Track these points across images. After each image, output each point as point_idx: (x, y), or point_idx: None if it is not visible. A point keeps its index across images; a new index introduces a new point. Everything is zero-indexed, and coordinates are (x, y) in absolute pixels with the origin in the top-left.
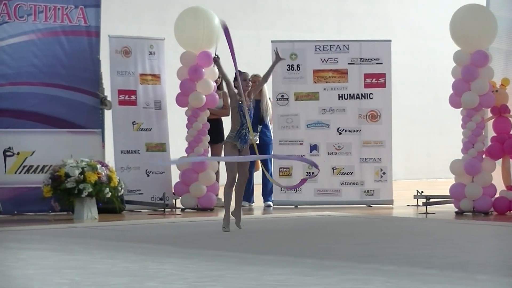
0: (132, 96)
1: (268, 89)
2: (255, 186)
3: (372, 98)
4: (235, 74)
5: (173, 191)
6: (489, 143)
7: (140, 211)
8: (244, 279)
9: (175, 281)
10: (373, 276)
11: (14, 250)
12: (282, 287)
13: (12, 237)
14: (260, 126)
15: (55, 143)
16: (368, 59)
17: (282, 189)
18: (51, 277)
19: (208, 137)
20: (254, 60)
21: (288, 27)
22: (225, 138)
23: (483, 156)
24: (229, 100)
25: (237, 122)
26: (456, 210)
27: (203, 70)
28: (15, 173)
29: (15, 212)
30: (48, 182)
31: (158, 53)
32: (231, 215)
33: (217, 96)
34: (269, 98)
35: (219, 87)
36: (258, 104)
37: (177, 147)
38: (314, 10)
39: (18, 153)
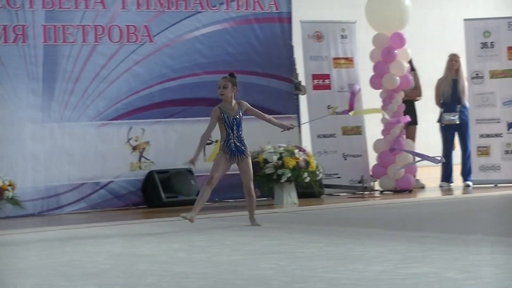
0: (326, 80)
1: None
2: (454, 166)
3: None
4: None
5: (370, 173)
6: None
7: (338, 195)
8: (449, 260)
9: (379, 263)
10: None
11: (219, 237)
12: (490, 267)
13: (214, 223)
14: (458, 106)
15: (253, 130)
16: None
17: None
18: (257, 262)
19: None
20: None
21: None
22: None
23: None
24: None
25: (224, 133)
26: None
27: (396, 51)
28: (214, 160)
29: (216, 199)
30: None
31: (350, 36)
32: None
33: (410, 77)
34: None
35: (412, 68)
36: (455, 84)
37: (373, 130)
38: None
39: (216, 141)
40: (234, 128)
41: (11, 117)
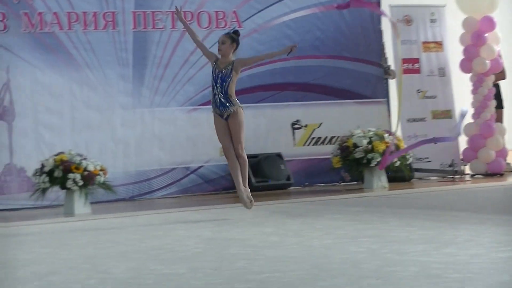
0: (416, 65)
1: None
2: None
3: None
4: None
5: (461, 157)
6: None
7: (429, 179)
8: None
9: (471, 246)
10: None
11: (311, 221)
12: None
13: (306, 208)
14: None
15: (342, 114)
16: None
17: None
18: (348, 246)
19: (494, 102)
20: None
21: None
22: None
23: None
24: None
25: (211, 87)
26: None
27: (486, 35)
28: (304, 145)
29: (306, 183)
30: (337, 153)
31: (439, 20)
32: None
33: (501, 61)
34: None
35: None
36: None
37: None
38: None
39: (306, 126)
40: (218, 82)
41: (102, 103)
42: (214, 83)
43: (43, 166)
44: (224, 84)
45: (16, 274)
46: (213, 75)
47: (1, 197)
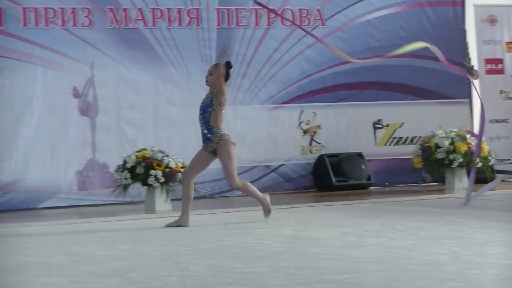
0: (499, 65)
1: None
2: None
3: None
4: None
5: None
6: None
7: (510, 180)
8: None
9: None
10: None
11: (391, 221)
12: None
13: (386, 208)
14: None
15: (424, 114)
16: None
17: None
18: (430, 247)
19: None
20: None
21: None
22: None
23: None
24: None
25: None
26: None
27: None
28: (385, 145)
29: (386, 183)
30: (419, 153)
31: None
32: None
33: None
34: None
35: None
36: None
37: None
38: None
39: (387, 125)
40: (200, 113)
41: (185, 99)
42: (199, 115)
43: (125, 162)
44: (206, 114)
45: (98, 270)
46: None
47: (83, 192)
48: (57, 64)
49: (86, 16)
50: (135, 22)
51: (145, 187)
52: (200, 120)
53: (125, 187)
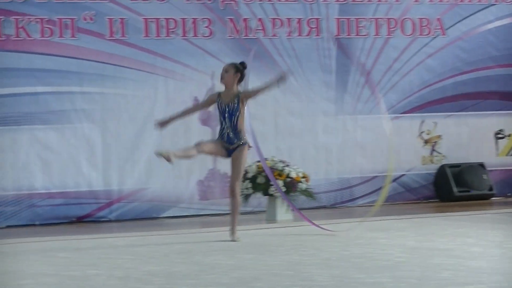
0: None
1: None
2: None
3: None
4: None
5: None
6: None
7: None
8: None
9: None
10: None
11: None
12: None
13: (509, 219)
14: None
15: None
16: None
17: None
18: None
19: None
20: None
21: None
22: None
23: None
24: None
25: (219, 121)
26: None
27: None
28: (507, 155)
29: (508, 193)
30: None
31: None
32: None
33: None
34: None
35: None
36: None
37: None
38: None
39: (509, 135)
40: (226, 116)
41: (305, 109)
42: (222, 118)
43: (246, 172)
44: (233, 118)
45: (221, 279)
46: (219, 109)
47: (204, 202)
48: (178, 74)
49: (206, 27)
50: (255, 32)
51: (266, 196)
52: (225, 124)
53: (246, 197)
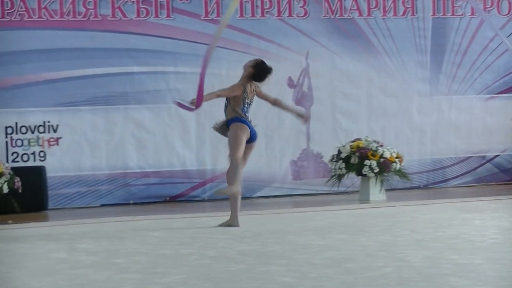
0: None
1: None
2: None
3: None
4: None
5: None
6: None
7: None
8: None
9: None
10: None
11: None
12: None
13: None
14: None
15: None
16: None
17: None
18: None
19: None
20: None
21: None
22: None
23: None
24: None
25: (243, 108)
26: None
27: None
28: None
29: None
30: None
31: None
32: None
33: None
34: None
35: None
36: None
37: None
38: None
39: None
40: (247, 107)
41: (399, 89)
42: (247, 107)
43: (339, 152)
44: (250, 108)
45: (313, 260)
46: (246, 99)
47: (297, 182)
48: (272, 54)
49: (301, 7)
50: (350, 12)
51: (359, 177)
52: (246, 112)
53: (340, 177)
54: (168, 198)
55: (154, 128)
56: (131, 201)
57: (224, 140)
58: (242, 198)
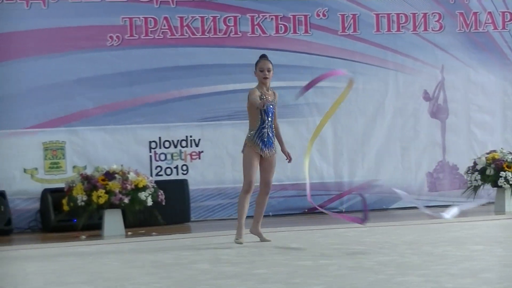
0: None
1: None
2: None
3: None
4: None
5: None
6: None
7: None
8: None
9: None
10: None
11: None
12: None
13: None
14: None
15: None
16: None
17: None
18: None
19: None
20: None
21: None
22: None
23: None
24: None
25: (257, 120)
26: None
27: None
28: None
29: None
30: None
31: None
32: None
33: None
34: None
35: None
36: None
37: None
38: None
39: None
40: (270, 115)
41: None
42: (265, 116)
43: (475, 164)
44: (272, 118)
45: (450, 270)
46: (265, 108)
47: (433, 193)
48: (408, 68)
49: (436, 21)
50: (484, 26)
51: (495, 188)
52: (267, 123)
53: (475, 188)
54: (306, 210)
55: (293, 142)
56: (270, 213)
57: (361, 153)
58: (379, 210)
